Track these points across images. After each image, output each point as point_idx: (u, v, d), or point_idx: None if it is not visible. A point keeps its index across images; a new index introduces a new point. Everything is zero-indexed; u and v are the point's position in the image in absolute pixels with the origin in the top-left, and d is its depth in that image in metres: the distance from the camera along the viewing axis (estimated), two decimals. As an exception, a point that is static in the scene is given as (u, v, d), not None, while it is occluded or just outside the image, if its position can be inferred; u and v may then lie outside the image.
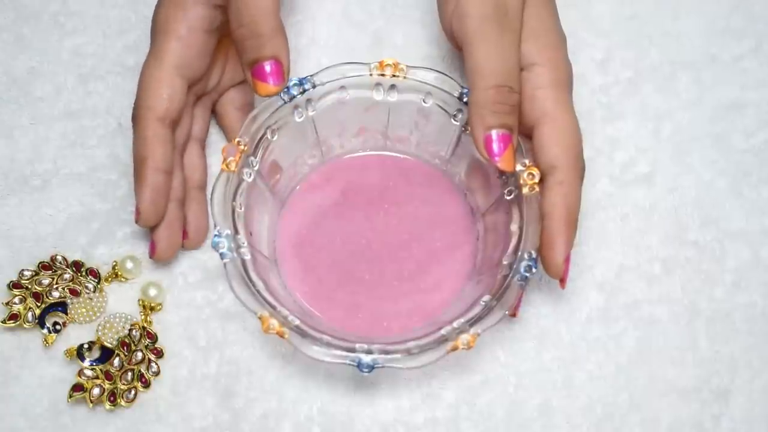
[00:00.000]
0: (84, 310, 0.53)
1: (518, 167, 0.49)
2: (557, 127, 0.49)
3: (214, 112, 0.56)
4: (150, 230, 0.52)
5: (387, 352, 0.46)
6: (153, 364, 0.52)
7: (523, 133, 0.50)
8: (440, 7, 0.52)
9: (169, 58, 0.51)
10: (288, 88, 0.50)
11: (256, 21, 0.48)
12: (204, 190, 0.54)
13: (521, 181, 0.49)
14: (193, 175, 0.54)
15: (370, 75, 0.51)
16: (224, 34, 0.53)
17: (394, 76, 0.51)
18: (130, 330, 0.52)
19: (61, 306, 0.53)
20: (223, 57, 0.54)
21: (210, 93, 0.55)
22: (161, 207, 0.51)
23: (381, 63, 0.51)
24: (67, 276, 0.53)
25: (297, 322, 0.47)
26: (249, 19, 0.48)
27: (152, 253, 0.52)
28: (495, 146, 0.48)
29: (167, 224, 0.52)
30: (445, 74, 0.51)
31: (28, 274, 0.53)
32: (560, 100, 0.49)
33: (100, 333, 0.52)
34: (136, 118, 0.51)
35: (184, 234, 0.53)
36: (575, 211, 0.48)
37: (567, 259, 0.48)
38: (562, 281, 0.49)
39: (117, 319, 0.53)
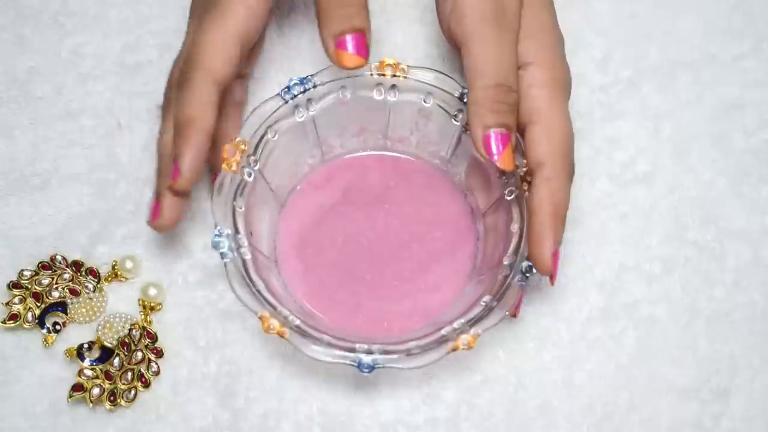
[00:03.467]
0: (84, 310, 0.53)
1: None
2: (548, 125, 0.49)
3: None
4: (156, 196, 0.50)
5: (387, 353, 0.46)
6: (153, 364, 0.52)
7: (516, 130, 0.50)
8: (438, 7, 0.52)
9: (233, 23, 0.49)
10: (288, 87, 0.50)
11: None
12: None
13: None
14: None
15: (371, 75, 0.51)
16: None
17: (394, 76, 0.51)
18: (130, 330, 0.52)
19: (61, 306, 0.53)
20: None
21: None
22: (200, 172, 0.48)
23: (381, 63, 0.50)
24: (66, 276, 0.53)
25: (297, 322, 0.47)
26: None
27: (155, 217, 0.49)
28: (494, 145, 0.48)
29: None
30: (446, 74, 0.51)
31: (27, 274, 0.53)
32: (553, 99, 0.49)
33: (100, 333, 0.52)
34: (188, 78, 0.48)
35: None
36: (563, 208, 0.48)
37: (555, 255, 0.48)
38: (552, 278, 0.49)
39: (117, 319, 0.53)
